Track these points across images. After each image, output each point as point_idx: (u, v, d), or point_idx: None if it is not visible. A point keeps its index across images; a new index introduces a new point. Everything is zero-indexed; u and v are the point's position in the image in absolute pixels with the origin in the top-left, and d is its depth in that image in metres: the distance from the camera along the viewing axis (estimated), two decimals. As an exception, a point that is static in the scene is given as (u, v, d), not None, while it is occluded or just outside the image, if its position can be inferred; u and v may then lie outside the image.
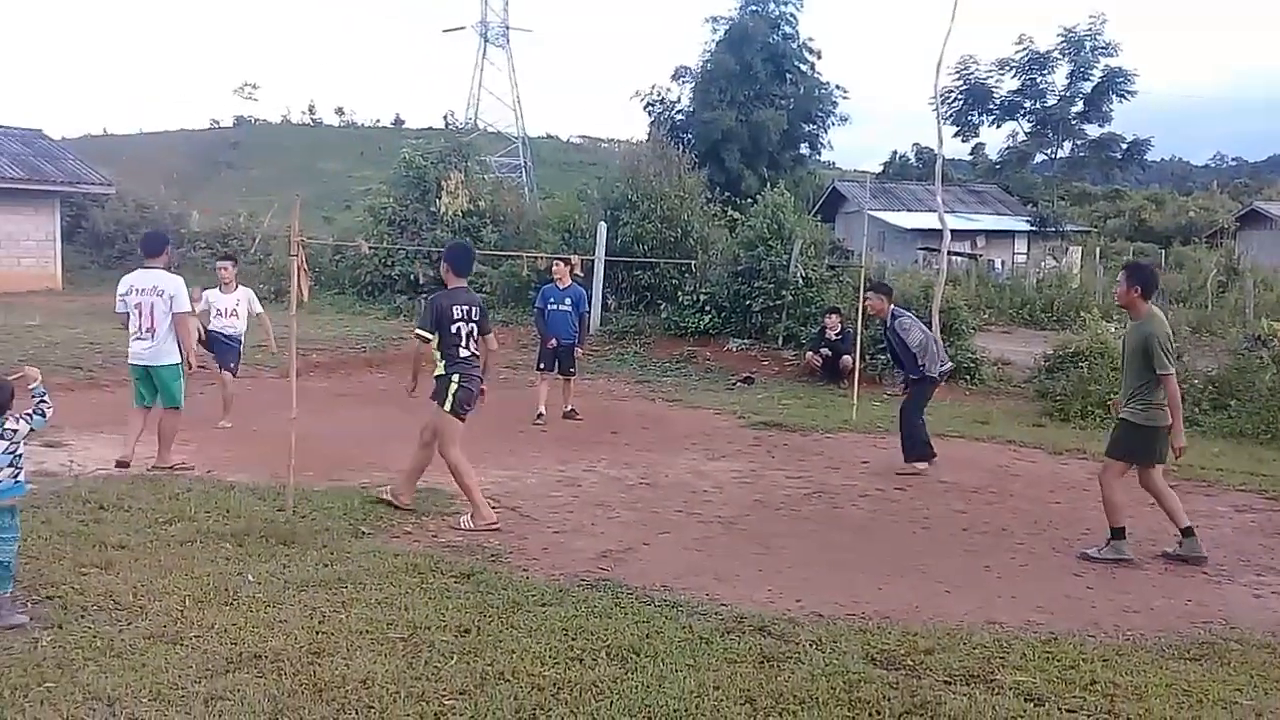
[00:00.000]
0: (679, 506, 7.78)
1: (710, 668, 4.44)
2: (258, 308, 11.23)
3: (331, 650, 4.46)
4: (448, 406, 6.87)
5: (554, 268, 12.17)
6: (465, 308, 6.88)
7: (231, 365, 10.83)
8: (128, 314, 8.16)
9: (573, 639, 4.70)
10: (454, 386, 6.85)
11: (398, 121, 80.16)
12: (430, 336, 6.90)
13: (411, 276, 21.13)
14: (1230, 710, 4.22)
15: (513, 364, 16.25)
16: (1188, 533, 6.70)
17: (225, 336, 10.84)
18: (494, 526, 6.77)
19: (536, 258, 18.95)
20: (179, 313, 8.09)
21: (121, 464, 8.00)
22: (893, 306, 9.66)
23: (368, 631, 4.70)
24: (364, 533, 6.47)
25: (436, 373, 6.93)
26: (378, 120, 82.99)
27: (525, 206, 25.89)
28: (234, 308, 11.02)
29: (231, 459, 8.56)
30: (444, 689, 4.12)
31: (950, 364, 9.60)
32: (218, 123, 77.01)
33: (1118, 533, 6.69)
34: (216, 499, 6.97)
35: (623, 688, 4.18)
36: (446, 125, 30.74)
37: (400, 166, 22.81)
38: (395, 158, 23.77)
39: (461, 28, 63.45)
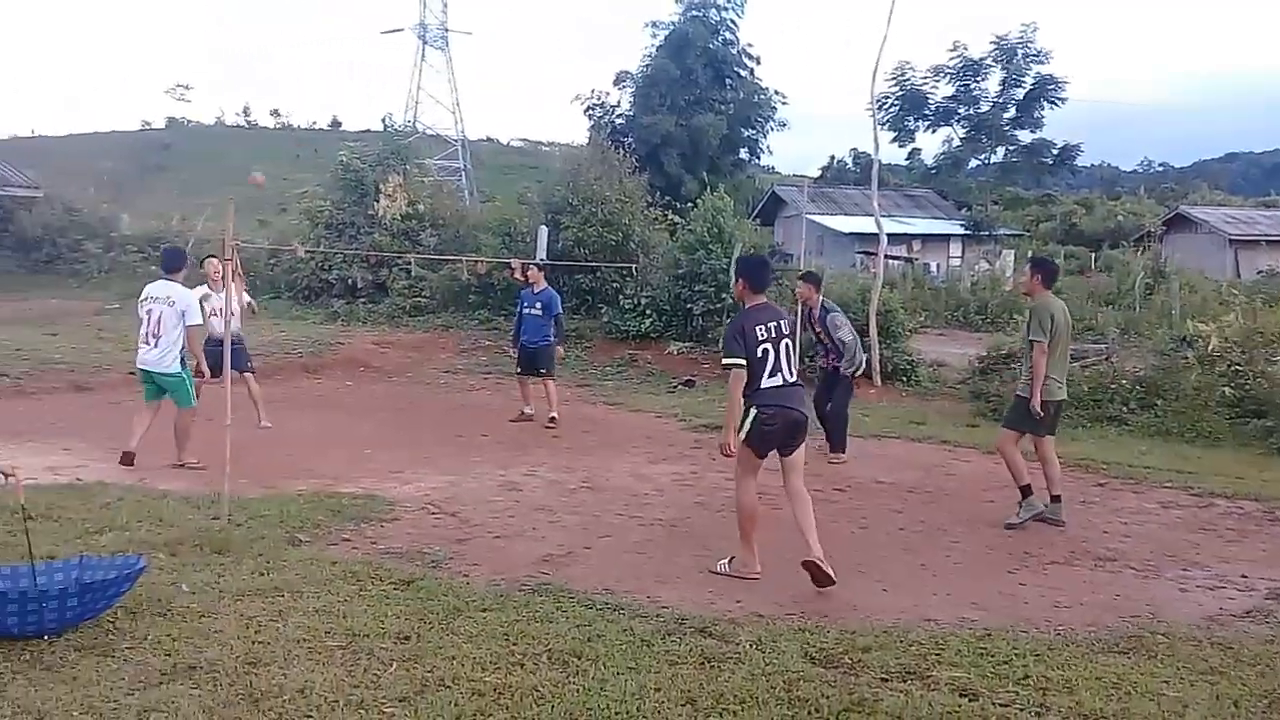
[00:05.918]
0: (620, 510, 7.78)
1: (651, 670, 4.45)
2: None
3: (268, 660, 4.40)
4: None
5: (530, 272, 12.31)
6: None
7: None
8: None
9: (514, 644, 4.68)
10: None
11: (335, 124, 79.28)
12: None
13: (349, 280, 20.90)
14: (1157, 701, 4.31)
15: (453, 369, 16.18)
16: (1056, 499, 7.59)
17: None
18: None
19: (477, 261, 18.88)
20: (190, 325, 8.37)
21: (126, 457, 8.37)
22: (823, 299, 10.13)
23: (305, 640, 4.64)
24: (301, 540, 6.38)
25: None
26: (314, 123, 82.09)
27: (465, 210, 25.75)
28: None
29: (165, 467, 8.39)
30: (383, 696, 4.09)
31: (863, 364, 10.69)
32: (149, 124, 75.54)
33: (1025, 490, 7.46)
34: (149, 508, 6.82)
35: (564, 692, 4.18)
36: (385, 128, 30.22)
37: (337, 169, 22.56)
38: (332, 161, 23.50)
39: (400, 29, 63.08)
